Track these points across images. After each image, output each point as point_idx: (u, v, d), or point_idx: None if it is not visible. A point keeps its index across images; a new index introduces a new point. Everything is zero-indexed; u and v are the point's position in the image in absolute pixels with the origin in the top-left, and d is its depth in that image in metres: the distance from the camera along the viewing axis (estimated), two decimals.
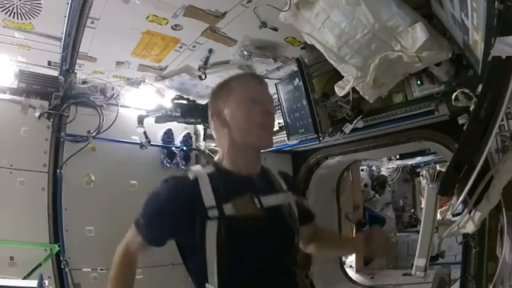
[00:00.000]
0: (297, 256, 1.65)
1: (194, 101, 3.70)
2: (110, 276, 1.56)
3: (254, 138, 1.54)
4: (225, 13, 2.53)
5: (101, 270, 3.44)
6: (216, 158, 1.67)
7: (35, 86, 3.44)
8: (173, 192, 1.48)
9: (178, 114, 3.56)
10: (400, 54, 2.28)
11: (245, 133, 1.54)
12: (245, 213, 1.43)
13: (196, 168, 1.56)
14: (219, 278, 1.39)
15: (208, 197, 1.42)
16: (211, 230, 1.38)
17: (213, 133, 1.68)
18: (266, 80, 3.53)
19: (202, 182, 1.45)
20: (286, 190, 1.70)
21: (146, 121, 3.71)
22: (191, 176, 1.48)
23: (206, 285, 1.41)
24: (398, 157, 7.11)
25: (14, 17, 2.45)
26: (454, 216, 2.63)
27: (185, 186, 1.46)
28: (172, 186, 1.50)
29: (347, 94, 2.95)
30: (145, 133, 3.79)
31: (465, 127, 2.17)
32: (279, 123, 3.75)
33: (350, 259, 5.82)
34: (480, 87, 1.75)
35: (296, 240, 1.64)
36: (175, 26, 2.67)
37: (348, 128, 3.31)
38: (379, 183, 7.59)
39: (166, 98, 3.87)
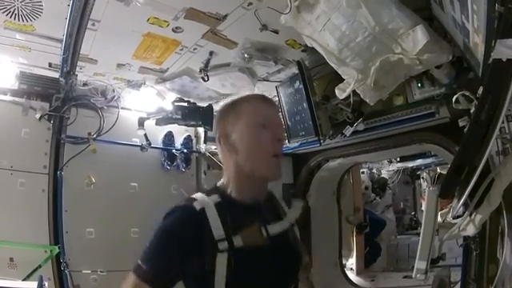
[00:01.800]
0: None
1: (195, 103, 3.69)
2: None
3: (263, 168, 1.47)
4: (226, 15, 2.54)
5: (101, 271, 3.44)
6: (220, 183, 1.58)
7: (36, 88, 3.44)
8: (180, 225, 1.39)
9: (179, 117, 3.56)
10: (401, 56, 2.28)
11: (253, 162, 1.47)
12: (253, 244, 1.38)
13: (200, 196, 1.46)
14: None
15: (217, 229, 1.35)
16: (221, 262, 1.33)
17: (220, 156, 1.63)
18: (267, 83, 3.59)
19: (210, 213, 1.38)
20: (289, 214, 1.65)
21: (146, 123, 3.71)
22: (197, 206, 1.39)
23: None
24: (398, 159, 7.10)
25: (14, 18, 2.45)
26: (454, 218, 2.62)
27: (192, 217, 1.38)
28: (179, 219, 1.40)
29: (348, 97, 2.94)
30: (145, 135, 3.79)
31: (465, 130, 2.17)
32: None
33: (351, 262, 5.81)
34: (481, 89, 1.75)
35: (300, 261, 1.61)
36: (176, 28, 2.67)
37: (349, 131, 3.31)
38: (380, 186, 7.58)
39: (167, 100, 3.87)
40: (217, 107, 3.82)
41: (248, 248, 1.36)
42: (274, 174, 1.50)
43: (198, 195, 1.46)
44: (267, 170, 1.48)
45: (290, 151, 4.18)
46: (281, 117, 3.54)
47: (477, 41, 1.73)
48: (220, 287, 1.33)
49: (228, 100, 1.65)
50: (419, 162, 7.08)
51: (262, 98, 1.63)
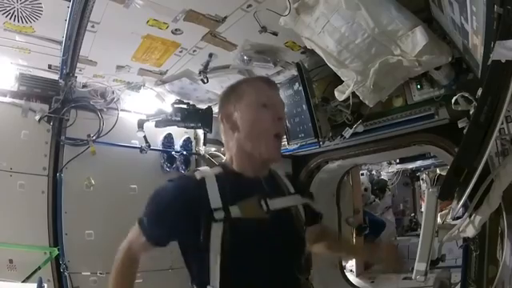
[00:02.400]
0: (303, 262, 1.61)
1: (194, 105, 3.70)
2: (111, 275, 1.55)
3: (263, 149, 1.51)
4: (225, 17, 2.54)
5: (100, 273, 3.42)
6: (224, 160, 1.65)
7: (36, 90, 3.44)
8: (178, 190, 1.46)
9: (178, 119, 3.56)
10: (400, 58, 2.29)
11: (253, 141, 1.51)
12: (251, 216, 1.40)
13: (204, 168, 1.54)
14: (221, 281, 1.35)
15: (214, 198, 1.39)
16: (216, 232, 1.35)
17: (221, 136, 1.66)
18: None
19: (209, 182, 1.43)
20: (293, 192, 1.68)
21: (146, 125, 3.71)
22: (198, 176, 1.45)
23: (208, 287, 1.38)
24: (398, 161, 7.10)
25: (14, 20, 2.45)
26: (454, 220, 2.62)
27: (190, 185, 1.44)
28: (177, 185, 1.48)
29: (347, 99, 2.95)
30: (145, 137, 3.79)
31: (465, 131, 2.17)
32: None
33: (351, 263, 5.80)
34: (480, 91, 1.75)
35: (303, 244, 1.61)
36: (175, 30, 2.68)
37: (348, 132, 3.32)
38: (379, 187, 7.58)
39: (166, 102, 3.87)
40: (216, 109, 3.83)
41: (245, 220, 1.39)
42: (272, 155, 1.55)
43: (202, 167, 1.55)
44: (266, 151, 1.52)
45: (290, 153, 4.18)
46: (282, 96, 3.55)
47: (476, 42, 1.74)
48: (215, 257, 1.35)
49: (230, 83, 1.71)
50: (419, 163, 7.09)
51: (263, 79, 1.70)
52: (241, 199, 1.42)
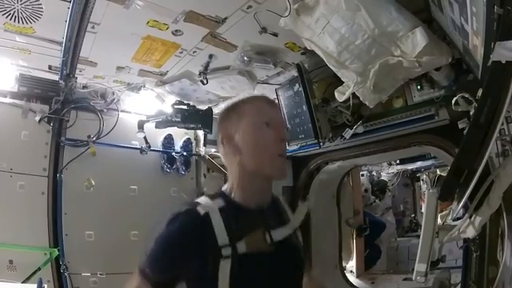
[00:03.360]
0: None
1: (195, 106, 3.70)
2: None
3: (269, 168, 1.45)
4: (225, 18, 2.54)
5: (100, 274, 3.42)
6: (225, 188, 1.54)
7: (36, 90, 3.45)
8: (184, 232, 1.38)
9: (179, 120, 3.56)
10: (400, 58, 2.28)
11: (258, 162, 1.45)
12: (256, 249, 1.37)
13: (204, 201, 1.44)
14: None
15: (221, 235, 1.34)
16: (224, 268, 1.31)
17: (222, 159, 1.59)
18: (266, 85, 3.58)
19: (214, 217, 1.37)
20: (293, 219, 1.64)
21: (146, 126, 3.72)
22: (201, 211, 1.37)
23: None
24: (398, 161, 7.08)
25: (14, 21, 2.46)
26: (454, 220, 2.62)
27: (196, 223, 1.37)
28: (182, 226, 1.39)
29: (347, 100, 2.94)
30: (145, 138, 3.80)
31: (465, 132, 2.17)
32: None
33: (351, 264, 5.80)
34: (480, 92, 1.75)
35: (303, 271, 1.60)
36: (176, 31, 2.68)
37: (348, 133, 3.31)
38: (379, 188, 7.56)
39: (167, 103, 3.87)
40: (216, 110, 3.83)
41: (251, 254, 1.35)
42: (279, 172, 1.48)
43: (202, 199, 1.45)
44: (272, 169, 1.46)
45: (290, 154, 4.17)
46: (282, 97, 3.57)
47: (476, 43, 1.73)
48: None
49: (228, 102, 1.63)
50: (419, 164, 7.06)
51: (264, 98, 1.62)
52: (246, 234, 1.37)
